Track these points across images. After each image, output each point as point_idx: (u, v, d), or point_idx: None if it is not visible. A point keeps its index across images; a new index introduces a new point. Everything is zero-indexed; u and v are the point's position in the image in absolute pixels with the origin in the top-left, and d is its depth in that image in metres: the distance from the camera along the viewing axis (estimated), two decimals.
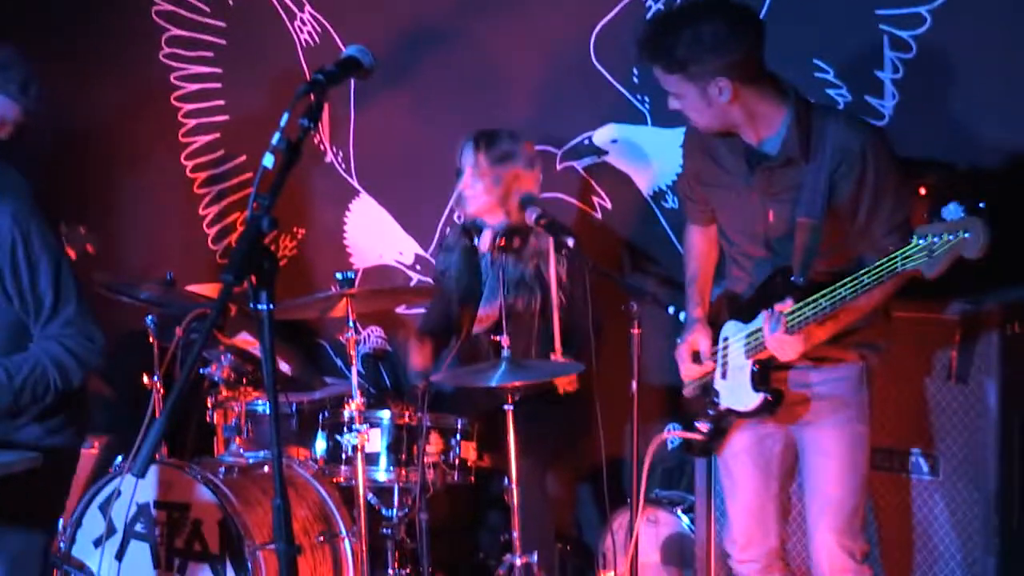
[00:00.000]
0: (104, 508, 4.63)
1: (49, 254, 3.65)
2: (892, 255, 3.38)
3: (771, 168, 3.77)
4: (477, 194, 5.06)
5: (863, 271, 3.47)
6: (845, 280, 3.51)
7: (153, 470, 4.60)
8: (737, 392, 3.92)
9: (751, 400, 3.85)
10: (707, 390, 4.06)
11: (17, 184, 3.70)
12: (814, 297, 3.58)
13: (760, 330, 3.77)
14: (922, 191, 4.36)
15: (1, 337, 3.71)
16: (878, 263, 3.43)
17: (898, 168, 3.76)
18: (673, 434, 4.16)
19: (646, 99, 5.42)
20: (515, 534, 4.63)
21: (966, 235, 3.23)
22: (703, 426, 4.06)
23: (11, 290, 3.63)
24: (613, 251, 5.62)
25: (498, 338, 4.68)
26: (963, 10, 4.70)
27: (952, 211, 3.28)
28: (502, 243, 4.91)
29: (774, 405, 3.82)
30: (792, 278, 3.71)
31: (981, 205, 3.26)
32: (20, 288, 3.63)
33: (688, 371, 4.08)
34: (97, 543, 4.61)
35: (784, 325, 3.63)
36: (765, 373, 3.82)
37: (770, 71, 3.77)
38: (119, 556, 4.56)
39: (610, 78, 5.49)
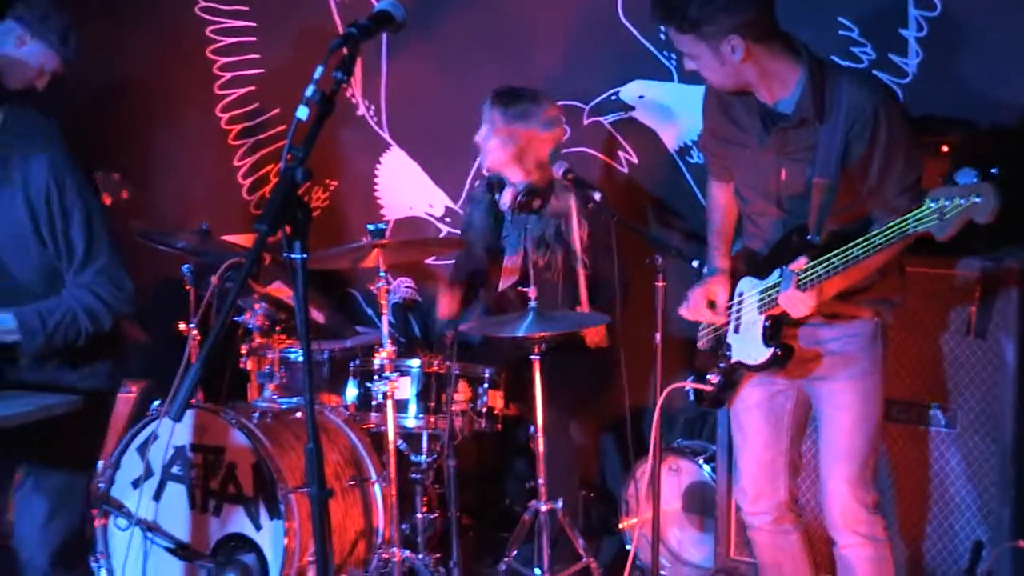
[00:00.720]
0: (142, 450, 4.64)
1: (82, 204, 3.66)
2: (904, 217, 3.36)
3: (786, 128, 3.74)
4: (491, 149, 5.06)
5: (875, 232, 3.46)
6: (857, 240, 3.49)
7: (189, 414, 4.62)
8: (748, 346, 3.91)
9: (761, 354, 3.84)
10: (720, 343, 4.06)
11: (54, 134, 3.70)
12: (827, 256, 3.56)
13: (774, 286, 3.76)
14: (944, 149, 4.34)
15: (36, 280, 3.73)
16: (890, 224, 3.41)
17: (911, 129, 3.74)
18: (682, 385, 4.15)
19: (672, 56, 5.37)
20: (540, 481, 4.64)
21: (977, 199, 3.21)
22: (713, 378, 4.06)
23: (46, 236, 3.64)
24: (639, 205, 5.60)
25: (525, 290, 4.68)
26: None
27: (965, 175, 3.28)
28: (522, 202, 4.89)
29: (784, 359, 3.81)
30: (808, 237, 3.70)
31: (994, 171, 3.26)
32: (54, 235, 3.64)
33: (695, 313, 4.06)
34: (135, 484, 4.62)
35: (795, 281, 3.63)
36: (776, 328, 3.81)
37: (783, 31, 3.73)
38: (156, 497, 4.60)
39: (638, 35, 5.45)
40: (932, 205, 3.28)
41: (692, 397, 4.18)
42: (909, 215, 3.34)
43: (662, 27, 3.77)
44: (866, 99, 3.63)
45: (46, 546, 3.83)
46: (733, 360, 3.98)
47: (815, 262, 3.59)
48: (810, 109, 3.66)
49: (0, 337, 3.60)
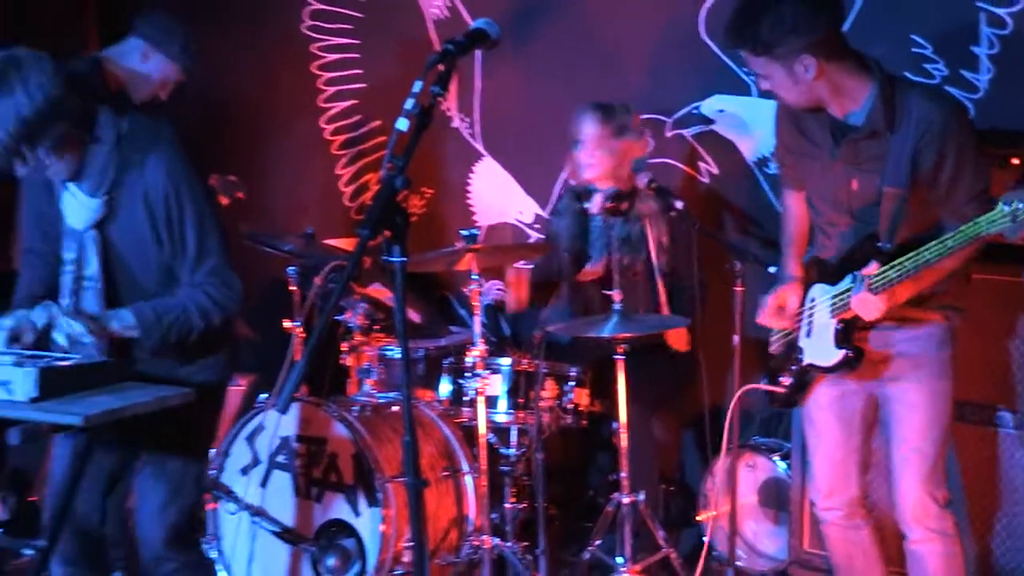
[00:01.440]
0: (250, 440, 4.69)
1: (196, 207, 3.69)
2: (977, 220, 3.35)
3: (856, 140, 3.72)
4: (595, 163, 5.05)
5: (948, 235, 3.44)
6: (930, 244, 3.48)
7: (294, 407, 4.64)
8: (820, 349, 3.90)
9: (833, 356, 3.83)
10: (791, 347, 4.04)
11: (171, 142, 3.74)
12: (899, 260, 3.55)
13: (846, 291, 3.75)
14: (1014, 161, 4.29)
15: (153, 278, 3.77)
16: (962, 227, 3.40)
17: (977, 139, 3.72)
18: (756, 386, 4.14)
19: (751, 72, 5.36)
20: (623, 474, 4.64)
21: None
22: (785, 380, 4.05)
23: (163, 237, 3.69)
24: (718, 214, 5.58)
25: (610, 292, 4.68)
26: None
27: None
28: (611, 206, 4.89)
29: (855, 361, 3.80)
30: (879, 244, 3.67)
31: None
32: (171, 236, 3.68)
33: (768, 320, 4.06)
34: (243, 471, 4.67)
35: (868, 286, 3.61)
36: (848, 331, 3.79)
37: (853, 47, 3.72)
38: (263, 484, 4.63)
39: (718, 51, 5.43)
40: (1005, 208, 3.26)
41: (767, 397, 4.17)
42: (982, 217, 3.33)
43: (737, 50, 3.73)
44: (935, 111, 3.61)
45: (163, 527, 3.87)
46: (805, 363, 3.97)
47: (887, 267, 3.58)
48: (880, 121, 3.65)
49: (121, 333, 3.65)
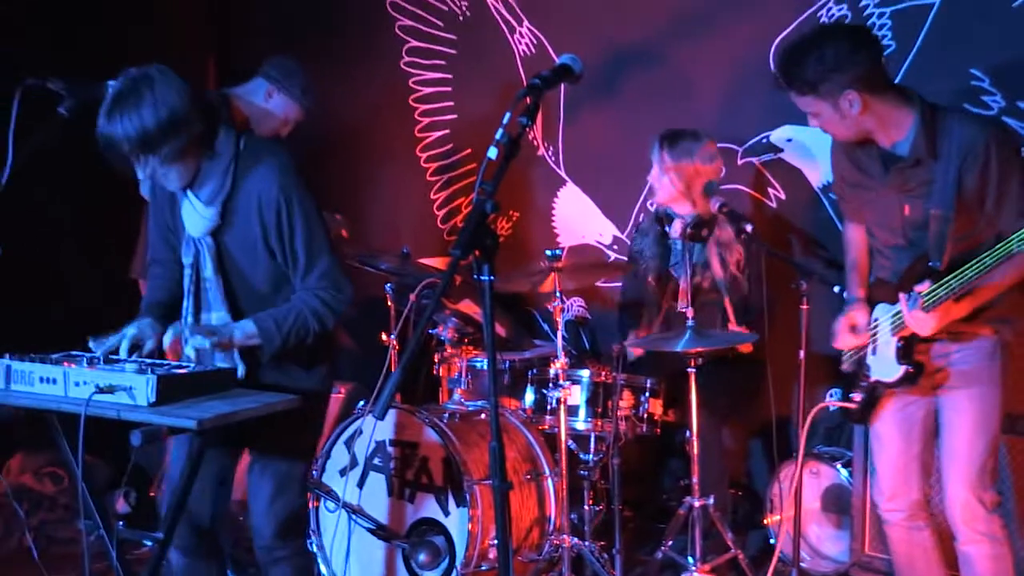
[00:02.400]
0: (349, 444, 4.73)
1: (305, 217, 3.70)
2: (1009, 238, 3.34)
3: (903, 168, 3.72)
4: (663, 186, 5.06)
5: (986, 254, 3.43)
6: (971, 262, 3.47)
7: (390, 413, 4.66)
8: (884, 365, 3.89)
9: (895, 372, 3.82)
10: (861, 364, 4.02)
11: (283, 157, 3.76)
12: (946, 279, 3.54)
13: (900, 311, 3.73)
14: None
15: (264, 281, 3.79)
16: (997, 245, 3.40)
17: (1020, 161, 3.67)
18: (830, 403, 4.12)
19: None
20: (694, 480, 4.62)
21: None
22: (857, 396, 4.02)
23: (275, 247, 3.71)
24: (785, 236, 5.55)
25: (684, 310, 4.66)
26: None
27: None
28: (691, 232, 4.88)
29: (915, 376, 3.79)
30: (930, 263, 3.66)
31: None
32: (282, 245, 3.70)
33: (844, 341, 4.05)
34: (342, 473, 4.70)
35: (921, 304, 3.61)
36: (909, 348, 3.78)
37: (894, 82, 3.75)
38: (360, 484, 4.67)
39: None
40: None
41: (834, 409, 4.13)
42: (1015, 235, 3.32)
43: (786, 91, 3.73)
44: (976, 135, 3.60)
45: (272, 520, 3.90)
46: (872, 379, 3.94)
47: (936, 285, 3.58)
48: (923, 149, 3.65)
49: (245, 342, 3.69)
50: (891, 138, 3.72)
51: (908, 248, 3.82)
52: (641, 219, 5.82)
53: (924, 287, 3.61)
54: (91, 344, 3.67)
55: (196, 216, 3.73)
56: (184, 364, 3.62)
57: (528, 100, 2.86)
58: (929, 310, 3.60)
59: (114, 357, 3.66)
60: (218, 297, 3.78)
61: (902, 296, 3.71)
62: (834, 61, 3.58)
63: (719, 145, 5.25)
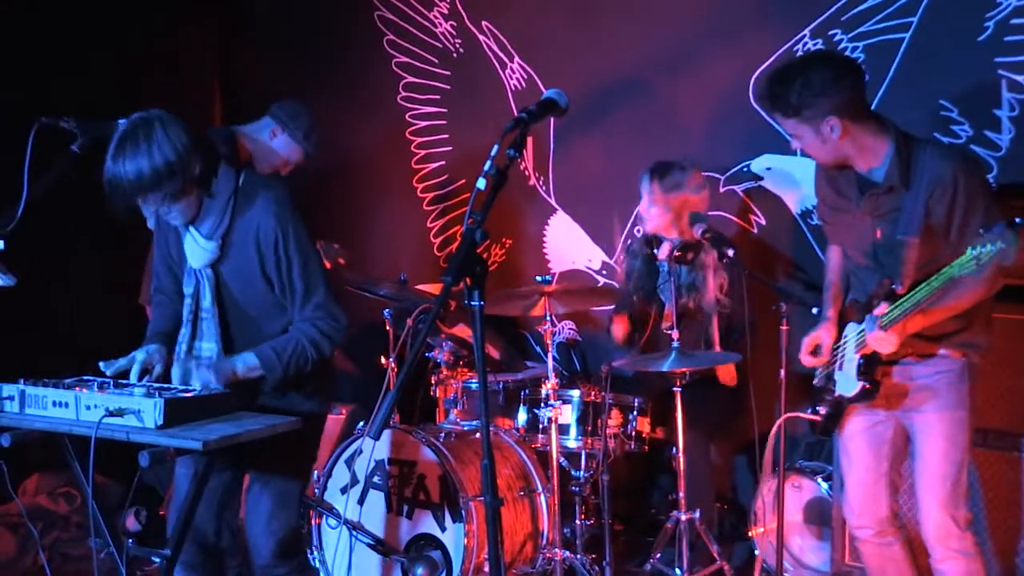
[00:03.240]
0: (349, 463, 4.74)
1: (301, 250, 3.72)
2: (951, 264, 3.37)
3: (876, 194, 3.76)
4: (652, 216, 5.07)
5: (933, 277, 3.47)
6: (921, 285, 3.52)
7: (387, 433, 4.68)
8: (846, 381, 3.92)
9: (854, 387, 3.85)
10: (829, 379, 4.03)
11: (281, 192, 3.79)
12: (900, 300, 3.59)
13: (863, 330, 3.78)
14: None
15: (261, 311, 3.80)
16: (940, 271, 3.43)
17: (988, 190, 3.73)
18: (797, 415, 4.13)
19: None
20: (681, 494, 4.64)
21: (1002, 245, 3.21)
22: (822, 409, 4.04)
23: (272, 278, 3.73)
24: (767, 260, 5.56)
25: (669, 332, 4.68)
26: None
27: (996, 228, 3.24)
28: (677, 255, 4.91)
29: (872, 393, 3.82)
30: (892, 286, 3.69)
31: (1018, 221, 3.23)
32: (280, 276, 3.72)
33: (805, 359, 4.06)
34: (343, 490, 4.71)
35: (879, 324, 3.64)
36: (869, 365, 3.81)
37: (873, 110, 3.77)
38: (360, 501, 4.67)
39: (766, 116, 5.44)
40: (972, 252, 3.29)
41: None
42: (955, 262, 3.35)
43: (770, 114, 3.77)
44: (946, 169, 3.63)
45: (270, 537, 3.91)
46: (836, 394, 3.96)
47: (893, 306, 3.62)
48: (897, 177, 3.68)
49: (248, 374, 3.72)
50: (868, 163, 3.75)
51: (878, 270, 3.84)
52: (633, 241, 5.85)
53: (882, 309, 3.65)
54: (102, 367, 3.70)
55: (198, 249, 3.75)
56: (190, 388, 3.64)
57: (515, 133, 2.88)
58: (887, 328, 3.63)
59: (123, 382, 3.68)
60: (212, 328, 3.81)
61: (867, 317, 3.75)
62: (819, 87, 3.61)
63: (703, 174, 5.29)
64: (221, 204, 3.70)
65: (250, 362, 3.72)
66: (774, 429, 4.24)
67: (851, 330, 3.94)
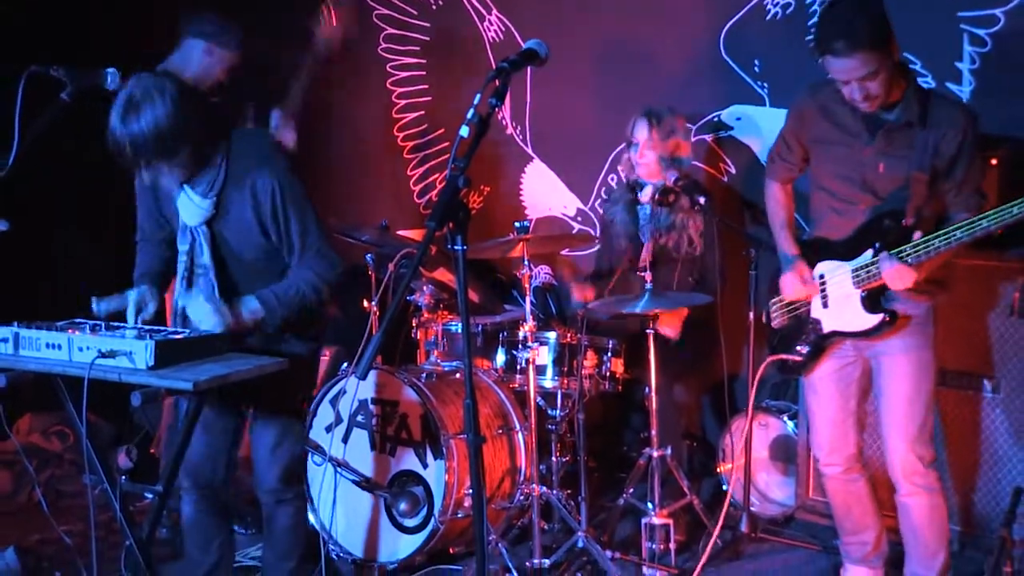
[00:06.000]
0: (333, 402, 4.72)
1: (296, 200, 3.69)
2: (1009, 205, 3.37)
3: (891, 130, 3.70)
4: (649, 162, 5.04)
5: (981, 216, 3.46)
6: (960, 224, 3.51)
7: (372, 374, 4.67)
8: (846, 317, 3.87)
9: (868, 322, 3.81)
10: (802, 320, 4.01)
11: (274, 147, 3.78)
12: (937, 234, 3.55)
13: (871, 264, 3.73)
14: (993, 162, 4.28)
15: (259, 260, 3.79)
16: (996, 209, 3.41)
17: (979, 145, 3.74)
18: (780, 357, 4.12)
19: (765, 85, 5.36)
20: (652, 432, 4.66)
21: None
22: (802, 349, 4.02)
23: (270, 229, 3.71)
24: (737, 208, 5.57)
25: (643, 274, 4.69)
26: None
27: None
28: (659, 198, 4.90)
29: (891, 323, 3.78)
30: (903, 220, 3.67)
31: None
32: (278, 227, 3.70)
33: (797, 293, 4.01)
34: (328, 429, 4.70)
35: (904, 259, 3.61)
36: (876, 299, 3.78)
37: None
38: (345, 440, 4.67)
39: (736, 67, 5.43)
40: (1017, 208, 3.34)
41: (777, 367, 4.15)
42: (1015, 202, 3.35)
43: (849, 55, 3.51)
44: (959, 116, 3.66)
45: (275, 467, 3.96)
46: (826, 331, 3.94)
47: (921, 242, 3.58)
48: (915, 115, 3.66)
49: (251, 316, 3.71)
50: (883, 101, 3.65)
51: (875, 205, 3.79)
52: (605, 190, 5.84)
53: (918, 236, 3.61)
54: (94, 302, 3.69)
55: (192, 207, 3.72)
56: (181, 330, 3.63)
57: (497, 82, 2.85)
58: (912, 264, 3.61)
59: (115, 324, 3.66)
60: (209, 282, 3.79)
61: (869, 251, 3.73)
62: (884, 17, 3.54)
63: None
64: (215, 162, 3.68)
65: (252, 306, 3.72)
66: (759, 371, 4.25)
67: (830, 268, 3.91)
